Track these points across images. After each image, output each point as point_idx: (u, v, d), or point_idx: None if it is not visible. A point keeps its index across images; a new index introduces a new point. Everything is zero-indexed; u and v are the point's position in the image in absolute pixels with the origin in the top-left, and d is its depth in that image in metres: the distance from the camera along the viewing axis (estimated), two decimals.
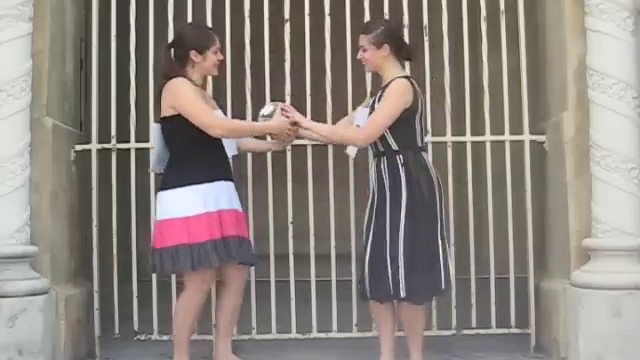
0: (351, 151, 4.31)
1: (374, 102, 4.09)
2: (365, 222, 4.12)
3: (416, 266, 3.92)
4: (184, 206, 3.96)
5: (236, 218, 4.10)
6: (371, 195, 4.13)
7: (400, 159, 4.00)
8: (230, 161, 4.26)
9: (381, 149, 4.05)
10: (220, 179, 4.06)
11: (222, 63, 4.21)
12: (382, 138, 4.02)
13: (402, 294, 3.91)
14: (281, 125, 4.15)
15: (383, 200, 4.02)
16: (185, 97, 3.98)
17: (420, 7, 4.70)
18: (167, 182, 4.06)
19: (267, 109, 4.19)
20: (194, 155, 4.01)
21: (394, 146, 4.01)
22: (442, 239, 4.01)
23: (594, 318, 4.05)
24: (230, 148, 4.20)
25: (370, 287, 4.01)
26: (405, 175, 3.98)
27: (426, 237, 3.96)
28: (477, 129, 4.81)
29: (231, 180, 4.16)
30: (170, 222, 3.98)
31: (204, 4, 4.68)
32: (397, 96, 3.99)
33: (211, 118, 4.01)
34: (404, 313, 4.08)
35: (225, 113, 4.41)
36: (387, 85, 4.05)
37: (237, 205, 4.15)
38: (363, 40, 4.10)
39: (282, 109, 4.15)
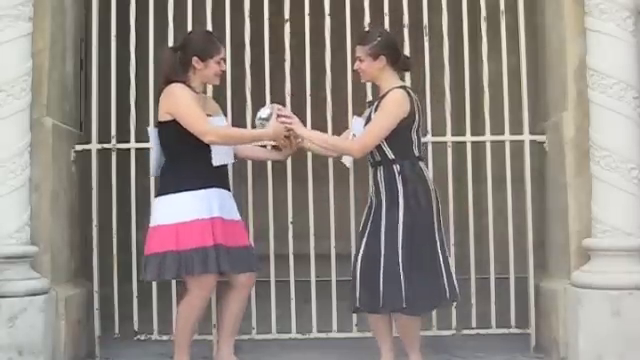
0: (347, 161, 4.32)
1: (370, 112, 4.09)
2: (359, 229, 4.11)
3: (415, 277, 3.88)
4: (176, 212, 3.96)
5: (226, 226, 4.02)
6: (368, 203, 4.12)
7: (397, 169, 3.99)
8: (230, 168, 4.25)
9: (377, 159, 4.04)
10: (214, 186, 4.03)
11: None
12: (379, 148, 4.01)
13: (403, 305, 3.87)
14: (277, 132, 4.12)
15: (379, 210, 4.00)
16: (182, 104, 3.98)
17: (420, 7, 4.69)
18: (162, 188, 4.06)
19: (264, 112, 4.17)
20: (188, 161, 4.01)
21: (390, 155, 4.00)
22: (442, 249, 3.99)
23: (594, 318, 4.05)
24: (227, 155, 4.14)
25: (363, 298, 3.97)
26: (402, 185, 3.96)
27: (424, 248, 3.94)
28: (477, 129, 4.81)
29: (226, 188, 4.13)
30: (161, 228, 3.98)
31: (204, 4, 4.68)
32: (394, 107, 3.98)
33: (205, 126, 3.98)
34: (400, 323, 4.05)
35: (225, 113, 4.40)
36: (384, 95, 4.04)
37: (232, 214, 4.10)
38: (360, 51, 4.09)
39: (278, 114, 4.12)
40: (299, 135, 4.17)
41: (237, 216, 4.15)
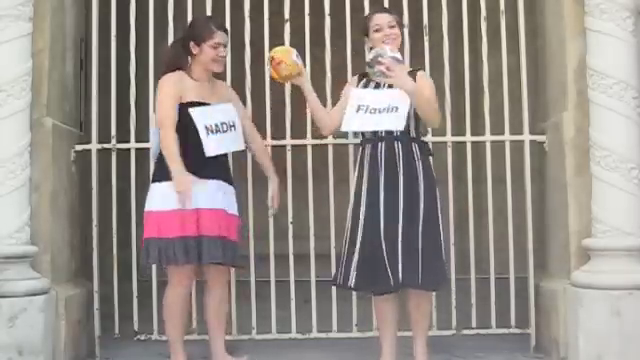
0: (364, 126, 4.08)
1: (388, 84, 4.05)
2: (363, 207, 4.00)
3: (430, 255, 3.91)
4: (160, 200, 4.00)
5: (218, 217, 4.03)
6: (370, 178, 4.03)
7: (415, 147, 4.02)
8: (229, 161, 4.25)
9: (397, 133, 4.01)
10: (202, 177, 4.01)
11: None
12: None
13: (419, 282, 3.88)
14: (181, 184, 3.93)
15: (393, 185, 3.96)
16: (161, 93, 4.04)
17: (420, 7, 4.70)
18: (154, 175, 4.13)
19: (369, 55, 4.05)
20: (180, 151, 4.01)
21: (412, 133, 4.03)
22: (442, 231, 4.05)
23: (594, 318, 4.05)
24: (221, 145, 4.09)
25: (392, 277, 3.89)
26: (422, 164, 3.99)
27: (435, 228, 3.97)
28: (477, 129, 4.81)
29: (222, 180, 4.11)
30: (148, 215, 4.05)
31: (204, 4, 4.68)
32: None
33: (163, 117, 3.99)
34: (413, 297, 4.03)
35: None
36: (413, 71, 4.09)
37: (225, 205, 4.09)
38: (394, 20, 4.12)
39: (379, 60, 3.97)
40: (401, 86, 3.98)
41: (232, 208, 4.13)
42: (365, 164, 4.07)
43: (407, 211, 3.93)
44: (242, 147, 4.25)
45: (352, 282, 4.00)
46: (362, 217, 4.01)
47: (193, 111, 4.05)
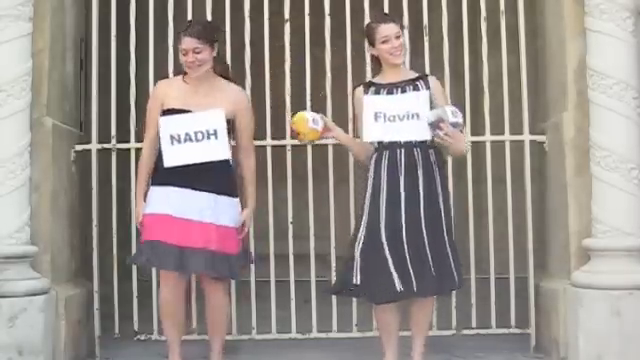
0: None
1: (418, 91, 4.04)
2: (383, 214, 3.94)
3: (455, 255, 4.02)
4: (147, 203, 4.07)
5: (182, 227, 3.94)
6: (389, 181, 3.98)
7: (432, 154, 4.03)
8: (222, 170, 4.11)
9: (416, 141, 4.01)
10: (175, 185, 3.97)
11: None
12: None
13: (457, 284, 4.04)
14: (137, 215, 4.12)
15: (414, 193, 3.95)
16: (148, 104, 4.15)
17: (420, 7, 4.70)
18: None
19: (433, 114, 3.95)
20: (160, 157, 4.05)
21: (429, 142, 4.03)
22: None
23: (594, 318, 4.05)
24: (182, 156, 3.96)
25: (417, 282, 3.88)
26: (438, 171, 4.02)
27: (452, 229, 4.04)
28: (477, 129, 4.81)
29: (203, 190, 3.98)
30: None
31: (204, 4, 4.68)
32: None
33: (145, 138, 4.12)
34: (419, 299, 4.02)
35: None
36: (422, 77, 4.13)
37: (204, 216, 3.95)
38: (398, 29, 4.08)
39: (439, 125, 3.92)
40: (450, 144, 3.96)
41: (220, 220, 4.00)
42: (383, 168, 4.00)
43: (428, 215, 3.94)
44: (223, 157, 4.01)
45: (400, 287, 3.87)
46: (383, 222, 3.94)
47: (161, 120, 4.02)
